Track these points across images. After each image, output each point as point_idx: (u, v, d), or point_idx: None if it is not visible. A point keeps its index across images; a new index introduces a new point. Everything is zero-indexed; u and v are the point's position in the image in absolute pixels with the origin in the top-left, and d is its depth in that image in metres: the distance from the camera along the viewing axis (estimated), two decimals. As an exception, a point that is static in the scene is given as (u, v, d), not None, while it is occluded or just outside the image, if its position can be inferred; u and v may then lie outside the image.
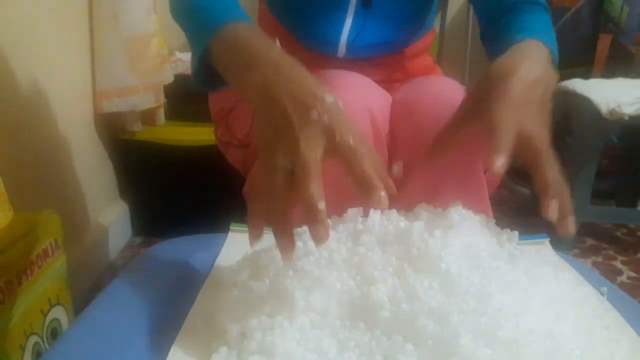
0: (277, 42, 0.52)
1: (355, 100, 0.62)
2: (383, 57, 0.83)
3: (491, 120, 0.48)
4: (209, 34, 0.55)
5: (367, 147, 0.44)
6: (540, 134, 0.49)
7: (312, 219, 0.41)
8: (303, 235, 0.50)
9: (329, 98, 0.45)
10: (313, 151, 0.43)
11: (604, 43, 1.92)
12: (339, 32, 0.77)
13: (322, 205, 0.41)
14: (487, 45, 0.74)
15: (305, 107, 0.44)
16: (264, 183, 0.45)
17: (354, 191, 0.44)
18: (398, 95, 0.71)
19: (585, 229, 1.79)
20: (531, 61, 0.53)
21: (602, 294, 0.52)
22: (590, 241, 1.78)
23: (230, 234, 0.63)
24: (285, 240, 0.44)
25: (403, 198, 0.61)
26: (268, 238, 0.56)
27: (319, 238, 0.41)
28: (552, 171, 0.47)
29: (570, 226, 0.46)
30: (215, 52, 0.55)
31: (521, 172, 0.73)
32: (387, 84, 0.77)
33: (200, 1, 0.60)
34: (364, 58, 0.82)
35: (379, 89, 0.70)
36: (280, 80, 0.47)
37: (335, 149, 0.43)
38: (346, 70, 0.69)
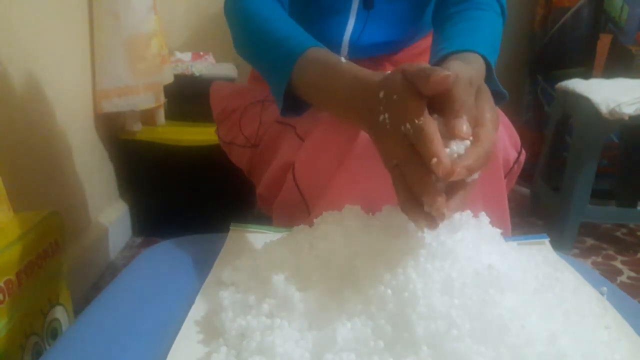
0: (344, 59, 0.57)
1: None
2: (385, 57, 0.83)
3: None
4: (291, 64, 0.59)
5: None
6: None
7: (426, 202, 0.43)
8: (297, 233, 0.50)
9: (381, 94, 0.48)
10: (395, 144, 0.46)
11: (604, 43, 1.92)
12: (342, 34, 0.78)
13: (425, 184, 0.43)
14: (431, 51, 0.74)
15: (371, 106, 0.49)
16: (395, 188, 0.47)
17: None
18: None
19: (585, 229, 1.79)
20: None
21: (602, 294, 0.52)
22: (590, 241, 1.78)
23: (230, 234, 0.63)
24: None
25: None
26: (267, 237, 0.57)
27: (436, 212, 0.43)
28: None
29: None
30: (298, 80, 0.59)
31: (521, 172, 0.73)
32: None
33: (272, 36, 0.64)
34: (366, 58, 0.82)
35: None
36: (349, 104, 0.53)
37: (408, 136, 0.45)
38: None
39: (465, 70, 0.48)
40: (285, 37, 0.63)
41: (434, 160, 0.41)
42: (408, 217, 0.46)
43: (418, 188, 0.44)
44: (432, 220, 0.44)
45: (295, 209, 0.67)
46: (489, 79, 0.61)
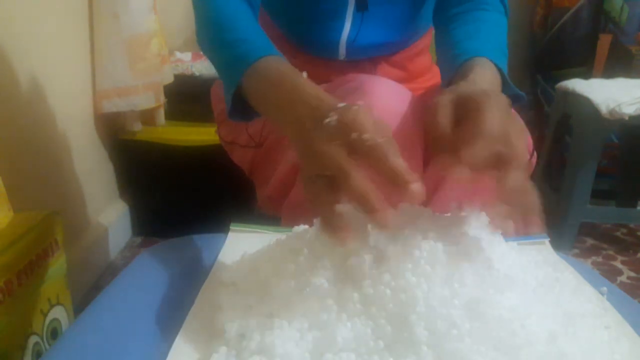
0: (305, 75, 0.53)
1: (387, 105, 0.62)
2: (383, 58, 0.83)
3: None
4: (241, 70, 0.56)
5: (391, 144, 0.42)
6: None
7: (369, 209, 0.40)
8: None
9: (341, 104, 0.45)
10: (335, 151, 0.43)
11: (604, 43, 1.92)
12: (339, 36, 0.78)
13: (370, 193, 0.40)
14: (438, 53, 0.73)
15: (322, 117, 0.44)
16: (309, 198, 0.46)
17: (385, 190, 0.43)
18: None
19: (585, 229, 1.79)
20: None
21: (602, 294, 0.52)
22: (590, 241, 1.78)
23: (230, 234, 0.63)
24: (337, 233, 0.43)
25: (440, 200, 0.62)
26: (267, 238, 0.57)
27: (382, 225, 0.41)
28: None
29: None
30: (248, 88, 0.57)
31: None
32: None
33: (229, 35, 0.61)
34: (364, 59, 0.82)
35: (408, 92, 0.68)
36: (314, 119, 0.47)
37: (355, 147, 0.42)
38: (375, 76, 0.69)
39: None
40: (243, 39, 0.60)
41: (415, 185, 0.39)
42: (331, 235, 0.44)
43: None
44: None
45: (306, 209, 0.66)
46: (504, 85, 0.61)
